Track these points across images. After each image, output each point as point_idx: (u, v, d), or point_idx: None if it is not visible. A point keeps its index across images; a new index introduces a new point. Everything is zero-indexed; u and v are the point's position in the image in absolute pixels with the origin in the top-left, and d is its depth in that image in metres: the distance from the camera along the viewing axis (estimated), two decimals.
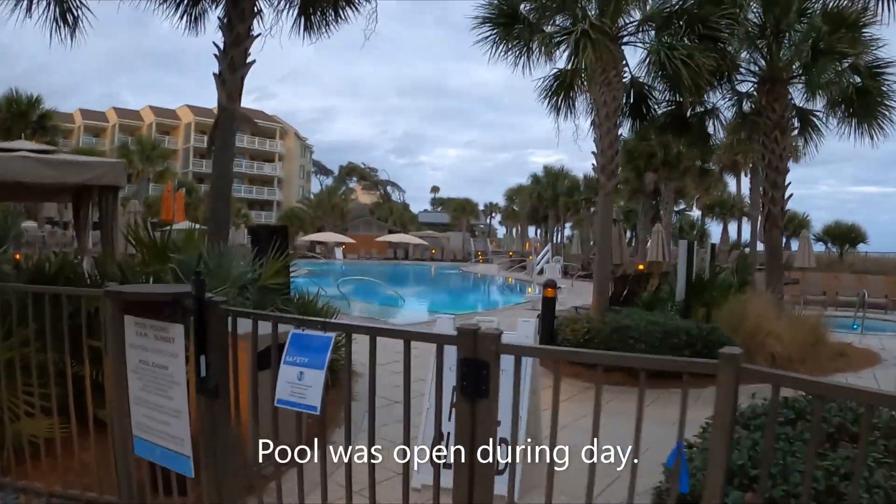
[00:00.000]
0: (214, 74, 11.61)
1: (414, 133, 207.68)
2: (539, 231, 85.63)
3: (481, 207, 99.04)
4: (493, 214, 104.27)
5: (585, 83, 15.98)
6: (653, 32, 14.95)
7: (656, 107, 17.03)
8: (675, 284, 14.70)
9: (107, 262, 8.09)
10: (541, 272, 26.29)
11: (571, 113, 16.81)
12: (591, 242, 52.39)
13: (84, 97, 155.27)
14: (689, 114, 17.30)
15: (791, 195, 16.26)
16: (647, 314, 12.52)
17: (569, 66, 15.28)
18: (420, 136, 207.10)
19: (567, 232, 61.76)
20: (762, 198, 16.59)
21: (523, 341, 6.58)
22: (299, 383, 3.77)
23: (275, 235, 9.51)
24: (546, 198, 55.35)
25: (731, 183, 52.00)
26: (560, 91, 16.28)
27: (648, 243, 32.88)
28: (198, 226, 15.08)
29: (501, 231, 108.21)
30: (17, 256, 25.79)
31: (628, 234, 46.69)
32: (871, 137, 15.61)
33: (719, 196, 52.13)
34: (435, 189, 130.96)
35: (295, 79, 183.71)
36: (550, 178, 55.51)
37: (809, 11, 15.21)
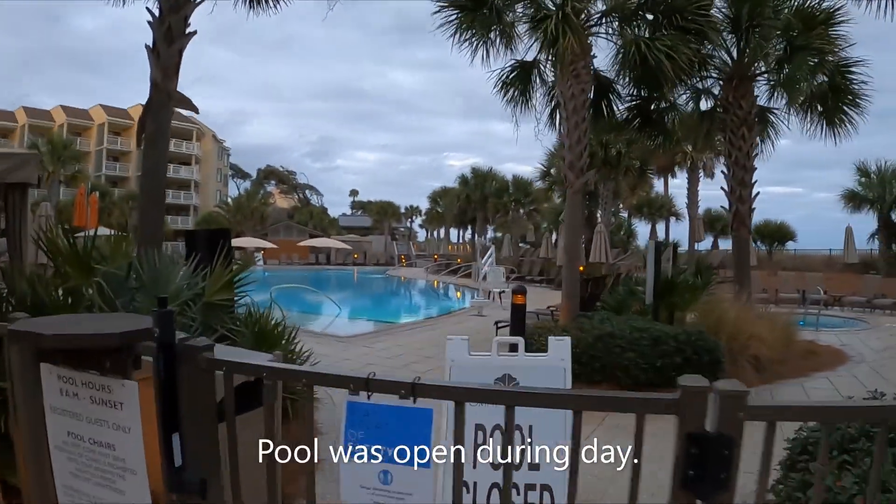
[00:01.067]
0: (147, 47, 9.91)
1: (330, 136, 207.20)
2: (461, 233, 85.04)
3: (402, 210, 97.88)
4: (414, 217, 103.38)
5: (551, 74, 15.22)
6: (615, 24, 14.50)
7: (617, 102, 16.22)
8: (631, 287, 14.45)
9: (14, 276, 6.52)
10: (484, 277, 25.01)
11: (527, 107, 15.89)
12: (520, 244, 51.97)
13: None
14: (653, 108, 16.46)
15: (758, 193, 15.91)
16: (629, 320, 11.76)
17: (539, 55, 14.66)
18: (336, 139, 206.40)
19: (490, 234, 60.74)
20: (729, 196, 15.92)
21: (558, 365, 5.38)
22: (387, 489, 2.38)
23: (217, 241, 7.98)
24: (474, 199, 54.15)
25: (658, 184, 51.88)
26: (518, 83, 15.44)
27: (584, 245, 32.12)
28: (114, 232, 13.42)
29: (422, 234, 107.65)
30: None
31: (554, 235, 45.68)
32: (834, 137, 15.74)
33: (646, 196, 51.70)
34: (354, 192, 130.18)
35: (210, 80, 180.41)
36: (479, 179, 54.35)
37: (781, 7, 14.92)
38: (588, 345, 10.90)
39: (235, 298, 7.77)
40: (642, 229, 64.43)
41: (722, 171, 16.12)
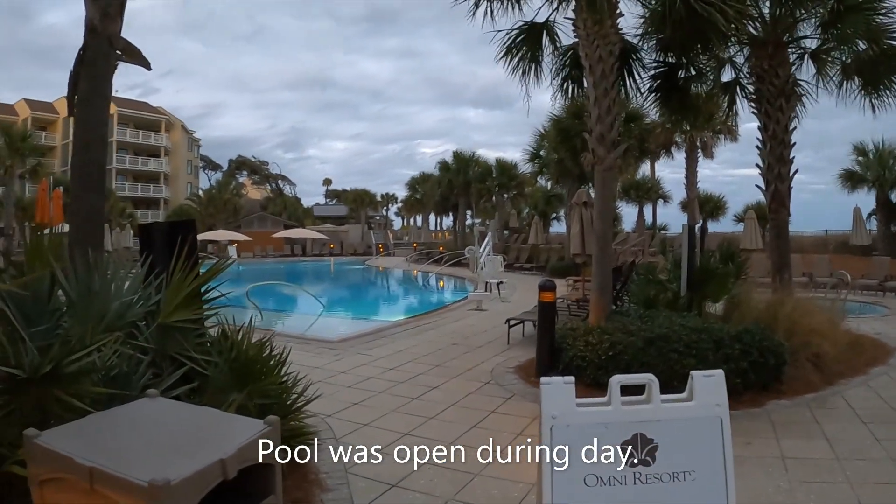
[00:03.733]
0: None
1: (301, 127, 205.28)
2: (439, 221, 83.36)
3: (378, 199, 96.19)
4: (390, 205, 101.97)
5: (565, 37, 13.54)
6: None
7: (640, 70, 14.19)
8: (654, 276, 12.71)
9: None
10: (482, 267, 23.10)
11: (538, 74, 14.07)
12: (505, 232, 50.26)
13: None
14: (680, 77, 14.53)
15: (797, 171, 14.20)
16: (676, 318, 10.04)
17: (552, 15, 13.12)
18: (307, 129, 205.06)
19: (469, 221, 58.97)
20: (766, 174, 14.14)
21: (711, 414, 3.76)
22: None
23: (177, 234, 5.87)
24: (457, 185, 52.24)
25: (643, 165, 50.41)
26: (525, 47, 13.67)
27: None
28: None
29: (398, 222, 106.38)
30: None
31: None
32: (873, 108, 14.17)
33: (631, 179, 50.05)
34: (327, 181, 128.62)
35: (178, 74, 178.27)
36: (461, 164, 52.39)
37: None
38: (638, 350, 9.14)
39: (205, 314, 5.69)
40: (628, 212, 62.92)
41: (757, 147, 14.24)
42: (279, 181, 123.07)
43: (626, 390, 3.64)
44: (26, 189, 57.57)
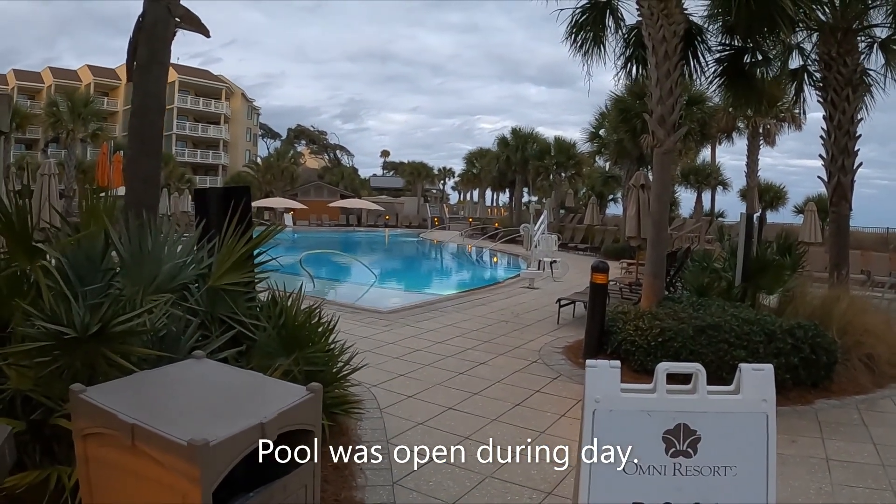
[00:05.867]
0: None
1: (360, 98, 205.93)
2: (495, 197, 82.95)
3: (435, 172, 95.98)
4: (447, 179, 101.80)
5: (629, 15, 13.22)
6: None
7: (704, 53, 13.71)
8: (710, 264, 12.57)
9: None
10: (536, 245, 23.00)
11: (600, 54, 13.76)
12: (560, 211, 49.89)
13: (25, 63, 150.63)
14: (746, 62, 14.07)
15: (861, 164, 13.83)
16: (728, 307, 9.85)
17: None
18: (366, 101, 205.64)
19: (526, 198, 58.62)
20: (829, 165, 13.88)
21: (758, 409, 3.64)
22: None
23: (231, 200, 5.90)
24: (515, 161, 51.89)
25: (704, 150, 49.67)
26: (589, 26, 13.38)
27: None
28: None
29: (454, 197, 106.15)
30: None
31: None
32: None
33: (691, 163, 49.35)
34: (385, 153, 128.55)
35: (241, 44, 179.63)
36: (519, 140, 51.96)
37: None
38: (688, 338, 8.96)
39: (256, 279, 5.73)
40: (686, 197, 62.12)
41: (821, 137, 13.93)
42: (337, 151, 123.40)
43: (672, 379, 3.58)
44: (87, 153, 58.31)
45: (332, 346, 5.80)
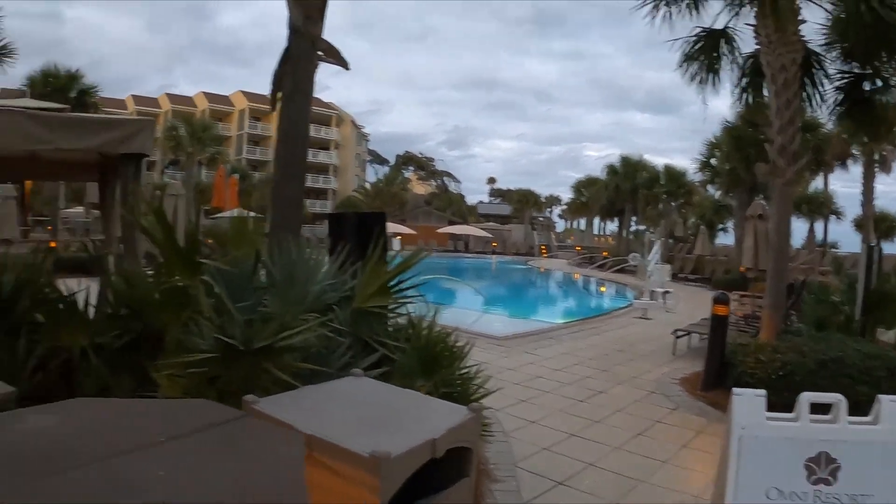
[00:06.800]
0: None
1: (466, 125, 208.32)
2: (603, 225, 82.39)
3: (542, 199, 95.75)
4: (553, 207, 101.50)
5: (744, 44, 12.95)
6: None
7: (823, 80, 13.31)
8: (826, 297, 12.35)
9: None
10: (650, 275, 22.86)
11: (714, 83, 13.47)
12: (669, 240, 49.35)
13: (143, 89, 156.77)
14: (865, 89, 13.65)
15: None
16: (849, 341, 9.58)
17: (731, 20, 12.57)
18: (472, 128, 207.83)
19: (633, 227, 58.10)
20: None
21: None
22: None
23: (371, 227, 6.14)
24: (624, 190, 51.52)
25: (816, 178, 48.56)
26: (703, 55, 13.21)
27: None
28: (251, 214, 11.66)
29: (560, 224, 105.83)
30: (52, 244, 23.25)
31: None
32: None
33: (803, 192, 48.24)
34: (492, 180, 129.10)
35: (349, 72, 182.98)
36: (628, 168, 51.63)
37: None
38: (809, 372, 8.81)
39: (399, 303, 5.93)
40: (797, 227, 60.98)
41: None
42: (444, 178, 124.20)
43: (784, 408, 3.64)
44: (202, 174, 60.09)
45: (466, 370, 5.95)
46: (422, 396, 4.01)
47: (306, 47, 7.89)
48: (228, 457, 1.55)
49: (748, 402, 3.62)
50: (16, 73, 42.95)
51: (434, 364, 5.36)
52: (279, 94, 8.12)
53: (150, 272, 5.30)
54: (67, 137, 6.90)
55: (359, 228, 6.45)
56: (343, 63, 8.31)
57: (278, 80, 8.09)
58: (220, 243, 5.35)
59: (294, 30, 7.92)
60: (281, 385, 4.07)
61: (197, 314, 4.60)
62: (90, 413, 1.67)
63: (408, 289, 5.65)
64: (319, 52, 8.09)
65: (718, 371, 10.21)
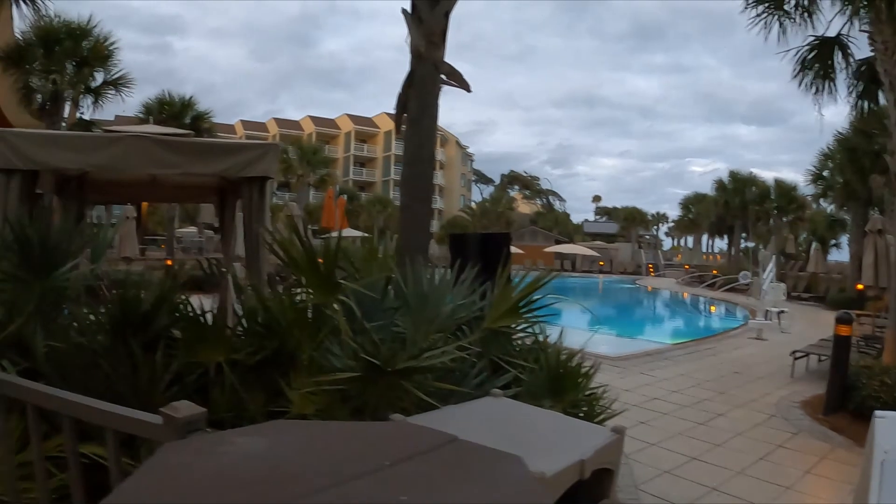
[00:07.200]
0: (404, 12, 8.22)
1: (568, 143, 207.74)
2: (710, 243, 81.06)
3: (648, 217, 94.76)
4: (660, 224, 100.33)
5: (860, 50, 12.74)
6: None
7: None
8: None
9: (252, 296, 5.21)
10: (765, 294, 22.43)
11: (831, 91, 13.25)
12: (782, 258, 48.19)
13: (250, 114, 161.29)
14: None
15: None
16: None
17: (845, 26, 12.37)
18: (575, 146, 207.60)
19: (743, 244, 56.89)
20: None
21: None
22: None
23: (496, 247, 6.18)
24: (733, 206, 50.57)
25: None
26: (817, 64, 13.08)
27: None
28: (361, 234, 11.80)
29: (667, 242, 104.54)
30: (169, 262, 24.07)
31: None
32: None
33: None
34: (597, 198, 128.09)
35: (451, 93, 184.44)
36: (738, 184, 50.70)
37: None
38: None
39: (530, 323, 5.94)
40: None
41: None
42: (549, 196, 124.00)
43: None
44: (310, 196, 61.33)
45: (592, 391, 5.93)
46: (563, 417, 4.01)
47: (430, 71, 8.00)
48: (463, 479, 1.55)
49: (892, 425, 3.52)
50: (132, 102, 44.70)
51: (561, 385, 5.35)
52: (404, 117, 8.25)
53: (282, 291, 5.41)
54: (196, 162, 7.14)
55: (483, 249, 6.50)
56: (465, 86, 8.38)
57: (403, 103, 8.22)
58: (351, 264, 5.44)
59: (417, 54, 8.03)
60: (415, 403, 4.12)
61: (333, 333, 4.69)
62: (292, 436, 1.69)
63: (536, 309, 5.63)
64: (442, 76, 8.18)
65: (841, 394, 9.96)
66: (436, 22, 8.03)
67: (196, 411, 1.98)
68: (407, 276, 5.23)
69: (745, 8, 12.50)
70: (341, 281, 4.84)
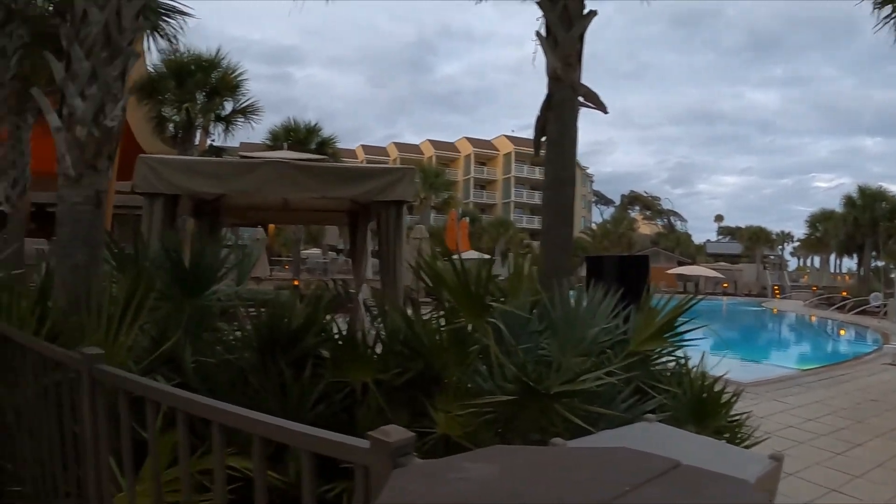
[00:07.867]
0: (539, 35, 8.36)
1: (688, 162, 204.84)
2: (838, 262, 78.65)
3: (773, 237, 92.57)
4: (785, 244, 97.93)
5: None
6: None
7: None
8: None
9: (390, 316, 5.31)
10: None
11: None
12: None
13: (370, 139, 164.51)
14: None
15: None
16: None
17: None
18: (694, 164, 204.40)
19: (873, 264, 54.93)
20: None
21: None
22: None
23: (636, 271, 6.18)
24: (862, 223, 48.84)
25: None
26: None
27: None
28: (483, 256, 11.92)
29: (793, 263, 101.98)
30: (296, 282, 24.78)
31: None
32: None
33: None
34: (719, 218, 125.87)
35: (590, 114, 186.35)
36: (867, 199, 48.98)
37: None
38: None
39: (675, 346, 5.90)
40: None
41: None
42: (670, 217, 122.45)
43: None
44: (431, 218, 62.13)
45: (735, 418, 5.86)
46: (721, 443, 4.01)
47: (568, 93, 8.06)
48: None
49: None
50: (258, 129, 46.22)
51: (704, 410, 5.30)
52: (543, 140, 8.31)
53: (427, 312, 5.48)
54: (334, 186, 7.34)
55: (620, 272, 6.50)
56: (602, 107, 8.40)
57: (541, 126, 8.29)
58: (497, 286, 5.51)
59: (554, 77, 8.11)
60: (574, 429, 4.13)
61: (481, 356, 4.75)
62: (519, 462, 1.71)
63: (681, 333, 5.60)
64: (580, 98, 8.22)
65: None
66: (571, 44, 8.10)
67: (406, 436, 2.01)
68: (555, 299, 5.26)
69: (874, 9, 12.21)
70: (492, 303, 4.90)
